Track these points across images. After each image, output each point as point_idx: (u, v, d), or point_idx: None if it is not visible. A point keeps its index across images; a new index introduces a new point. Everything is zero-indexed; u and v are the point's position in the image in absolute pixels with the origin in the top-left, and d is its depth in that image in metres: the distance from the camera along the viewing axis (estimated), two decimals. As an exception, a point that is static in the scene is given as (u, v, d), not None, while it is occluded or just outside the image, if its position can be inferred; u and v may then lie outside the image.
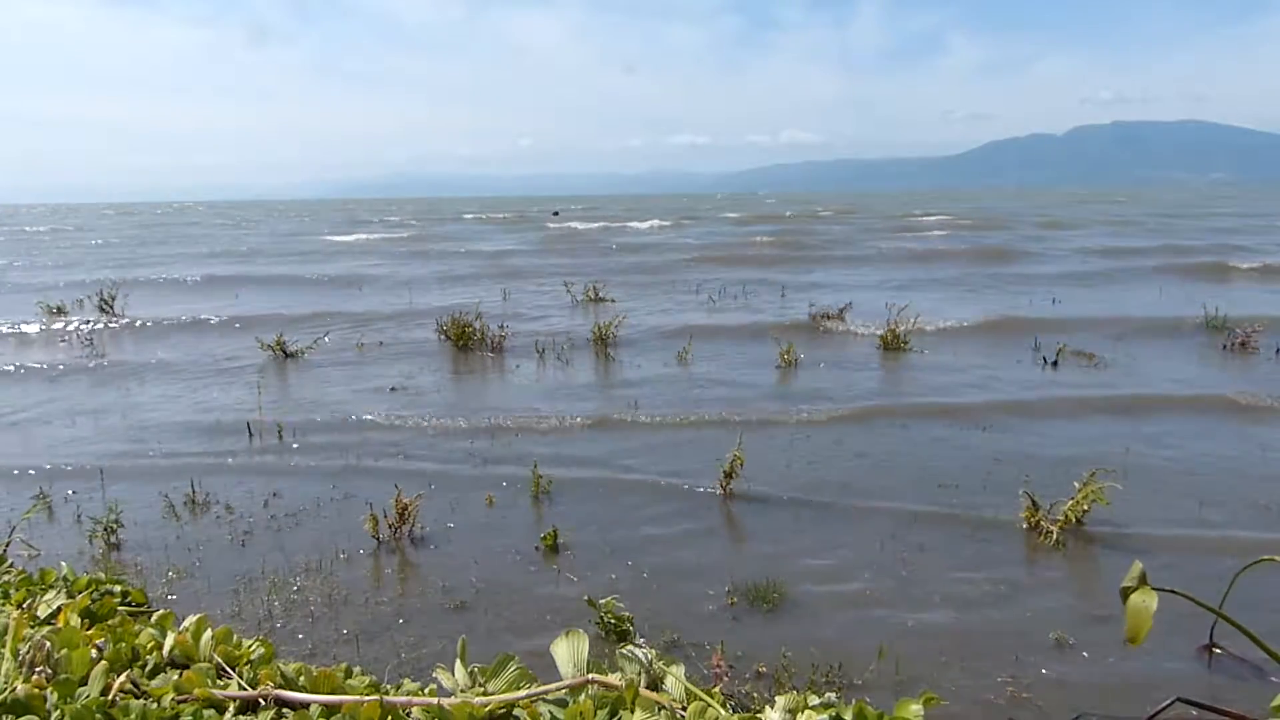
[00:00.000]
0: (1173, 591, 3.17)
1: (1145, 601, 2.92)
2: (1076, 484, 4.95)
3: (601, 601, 3.77)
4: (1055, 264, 20.53)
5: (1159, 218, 42.22)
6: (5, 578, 3.83)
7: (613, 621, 3.72)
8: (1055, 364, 9.35)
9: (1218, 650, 3.57)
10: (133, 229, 48.66)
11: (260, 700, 2.55)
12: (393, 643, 3.76)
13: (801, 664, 3.50)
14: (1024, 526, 4.92)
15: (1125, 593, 2.99)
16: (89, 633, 2.88)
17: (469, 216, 59.18)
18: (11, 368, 10.01)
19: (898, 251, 24.41)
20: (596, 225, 44.30)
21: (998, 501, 5.30)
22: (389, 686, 2.78)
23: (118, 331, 12.64)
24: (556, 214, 61.53)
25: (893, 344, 10.35)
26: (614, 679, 2.56)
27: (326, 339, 11.19)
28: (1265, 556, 3.51)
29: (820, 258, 23.61)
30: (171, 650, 2.85)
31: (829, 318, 12.01)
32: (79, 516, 5.22)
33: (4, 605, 3.38)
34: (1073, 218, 42.23)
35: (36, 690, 2.41)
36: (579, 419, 7.45)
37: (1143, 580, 2.98)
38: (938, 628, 3.83)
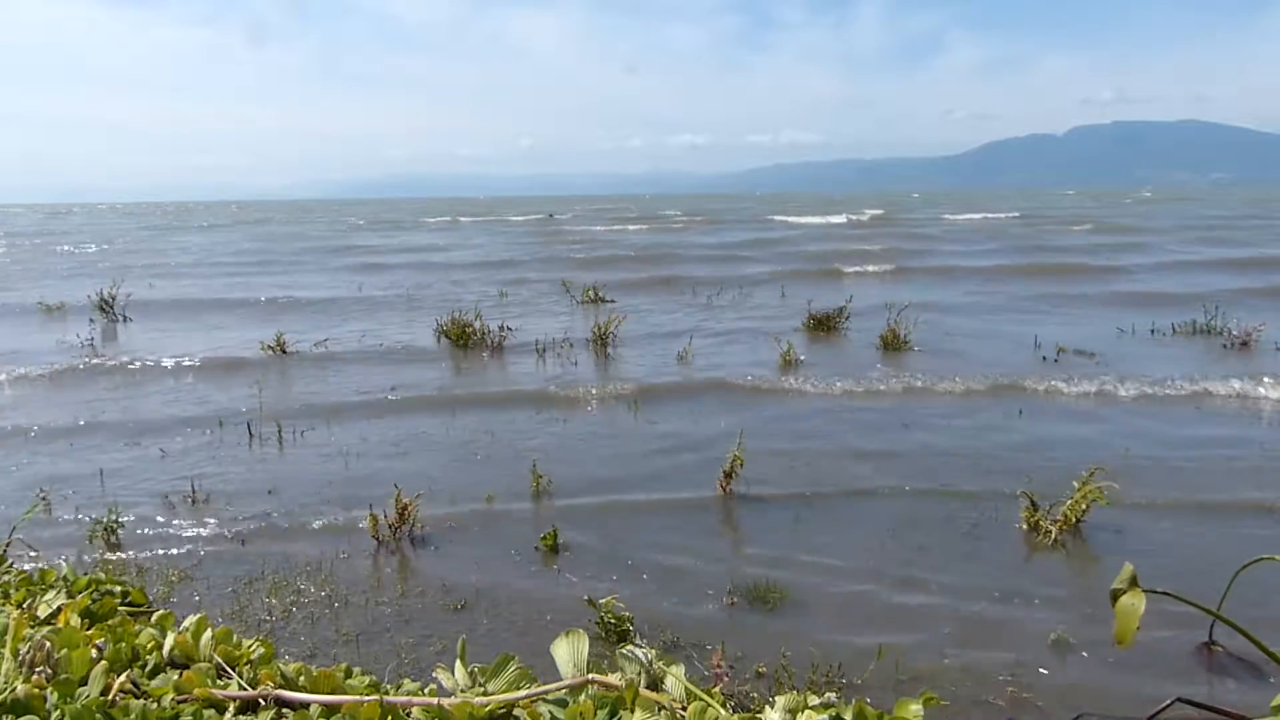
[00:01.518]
0: (1165, 593, 3.17)
1: (1134, 603, 2.93)
2: (1075, 484, 4.95)
3: (601, 601, 3.77)
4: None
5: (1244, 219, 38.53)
6: (5, 578, 3.82)
7: (613, 621, 3.72)
8: None
9: (1217, 648, 3.57)
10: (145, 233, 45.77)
11: (260, 700, 2.55)
12: (393, 643, 3.76)
13: (801, 664, 3.50)
14: (1023, 527, 4.92)
15: (1115, 595, 2.99)
16: (89, 633, 2.88)
17: (517, 219, 55.01)
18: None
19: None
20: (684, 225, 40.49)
21: (998, 503, 5.31)
22: (389, 686, 2.78)
23: (122, 333, 12.65)
24: (551, 216, 61.12)
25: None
26: (614, 679, 2.56)
27: (326, 340, 11.19)
28: (1265, 555, 3.51)
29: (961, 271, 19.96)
30: (171, 650, 2.85)
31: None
32: (79, 516, 5.22)
33: (4, 605, 3.38)
34: (1148, 222, 38.44)
35: (36, 690, 2.41)
36: (579, 420, 7.46)
37: (1133, 582, 2.99)
38: (938, 628, 3.83)
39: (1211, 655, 3.56)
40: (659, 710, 2.46)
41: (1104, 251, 23.98)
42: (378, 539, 4.88)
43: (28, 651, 2.59)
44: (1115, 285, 16.88)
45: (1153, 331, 11.49)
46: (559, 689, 2.57)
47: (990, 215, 49.23)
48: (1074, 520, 4.84)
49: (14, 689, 2.38)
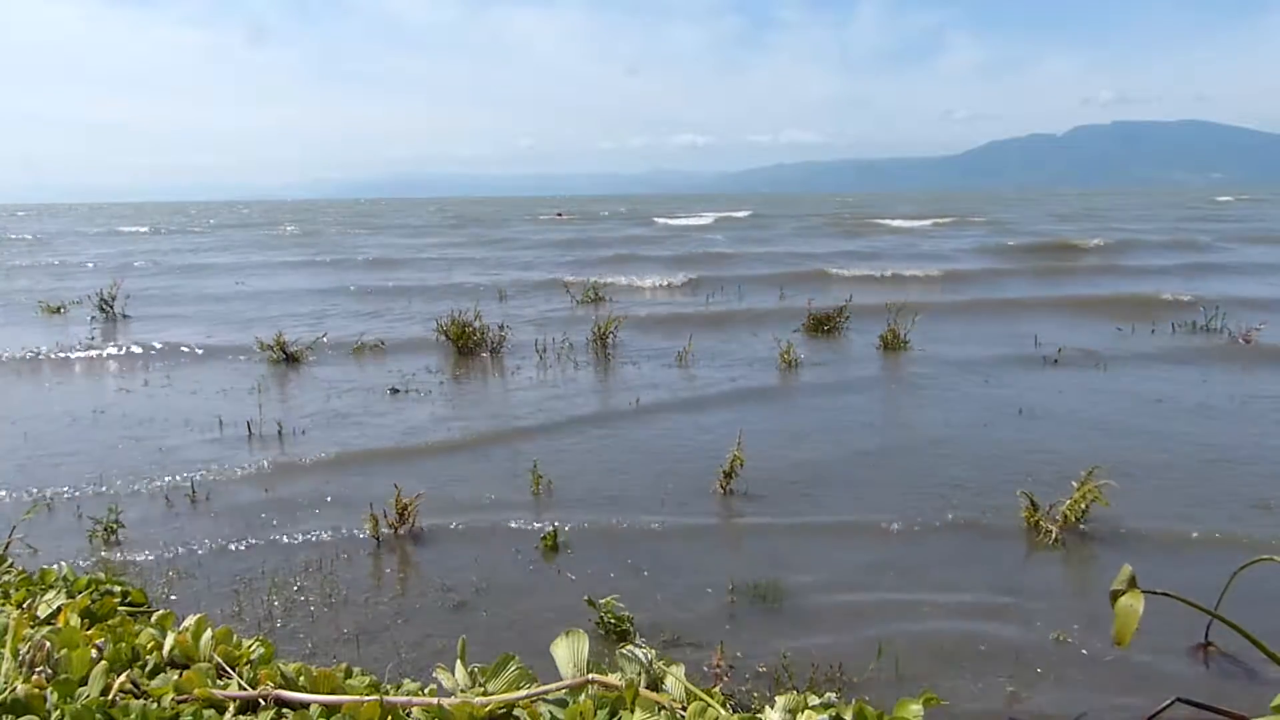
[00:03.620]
0: (1164, 594, 3.17)
1: (1133, 604, 2.93)
2: (1074, 483, 4.95)
3: (601, 601, 3.77)
4: None
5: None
6: (5, 578, 3.82)
7: (613, 621, 3.72)
8: None
9: (1214, 648, 3.57)
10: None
11: (260, 700, 2.55)
12: (393, 643, 3.76)
13: (801, 664, 3.50)
14: (1023, 526, 4.92)
15: (1115, 596, 2.99)
16: (89, 633, 2.88)
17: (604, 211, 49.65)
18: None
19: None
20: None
21: (998, 502, 5.31)
22: (389, 686, 2.78)
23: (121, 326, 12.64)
24: (560, 215, 60.55)
25: None
26: (614, 679, 2.56)
27: (325, 339, 11.18)
28: (1263, 556, 3.51)
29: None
30: (171, 650, 2.85)
31: None
32: (79, 516, 5.22)
33: (4, 605, 3.38)
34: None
35: (36, 690, 2.40)
36: (578, 418, 7.46)
37: (1132, 583, 2.99)
38: (938, 627, 3.83)
39: (1208, 655, 3.56)
40: (659, 710, 2.46)
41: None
42: (378, 538, 4.88)
43: (28, 651, 2.59)
44: None
45: (1153, 331, 11.51)
46: (559, 689, 2.57)
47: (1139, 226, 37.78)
48: (1074, 520, 4.84)
49: (14, 689, 2.38)
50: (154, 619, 3.15)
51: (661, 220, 49.23)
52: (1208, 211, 52.31)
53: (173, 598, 4.21)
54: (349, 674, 2.78)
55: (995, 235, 31.19)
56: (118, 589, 3.80)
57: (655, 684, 2.61)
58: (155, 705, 2.46)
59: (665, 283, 18.02)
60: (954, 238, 31.60)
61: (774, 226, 40.78)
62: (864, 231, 36.61)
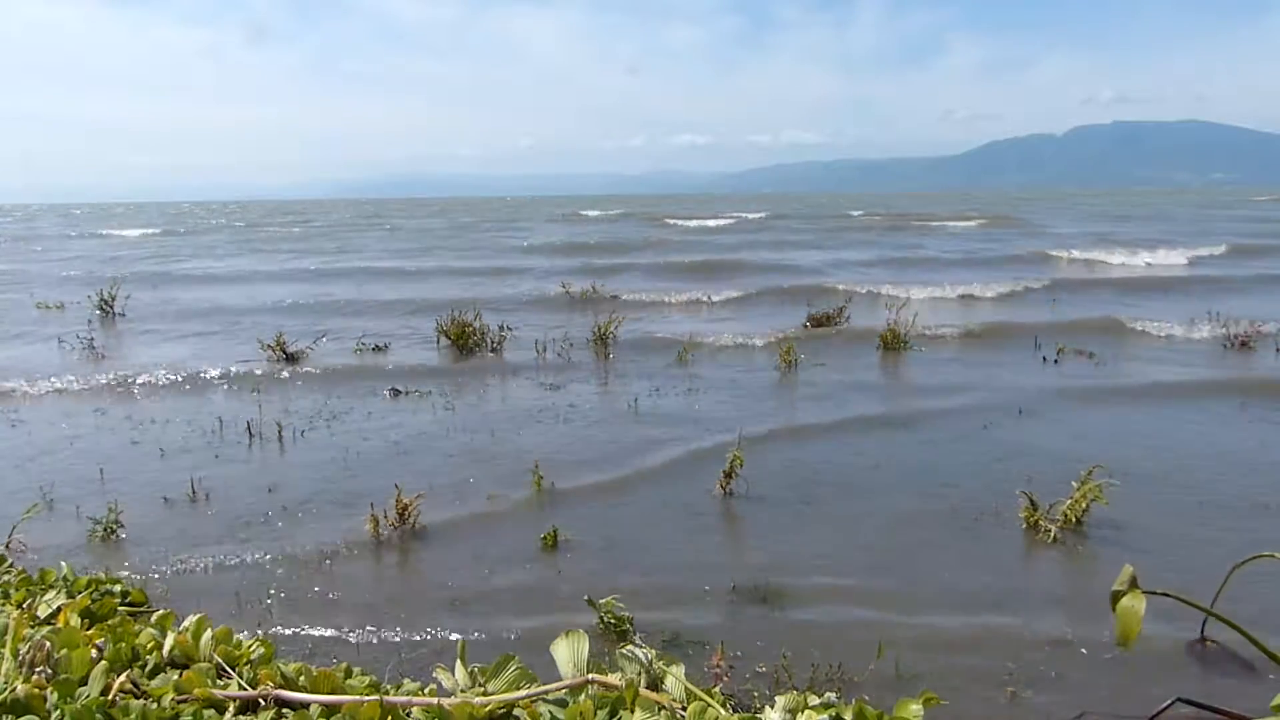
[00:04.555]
0: (1164, 594, 3.17)
1: (1134, 605, 2.93)
2: (1074, 483, 4.95)
3: (601, 601, 3.77)
4: None
5: None
6: (5, 578, 3.83)
7: (613, 621, 3.72)
8: None
9: (1211, 644, 3.58)
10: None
11: (260, 700, 2.55)
12: (393, 643, 3.76)
13: (801, 664, 3.50)
14: (1023, 525, 4.92)
15: (1116, 596, 2.99)
16: (89, 633, 2.89)
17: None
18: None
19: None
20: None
21: (998, 501, 5.31)
22: (389, 686, 2.78)
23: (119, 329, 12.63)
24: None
25: None
26: (614, 679, 2.57)
27: (325, 341, 11.18)
28: (1263, 553, 3.51)
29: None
30: (171, 650, 2.86)
31: None
32: (79, 516, 5.22)
33: (4, 605, 3.39)
34: None
35: (36, 690, 2.41)
36: (579, 417, 7.46)
37: (1133, 584, 2.99)
38: (937, 627, 3.82)
39: (1205, 651, 3.56)
40: (659, 710, 2.46)
41: None
42: (378, 538, 4.88)
43: (28, 651, 2.59)
44: None
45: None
46: (559, 689, 2.58)
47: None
48: (1074, 519, 4.84)
49: (14, 689, 2.38)
50: (154, 619, 3.15)
51: (677, 222, 47.36)
52: (1252, 213, 50.74)
53: (173, 598, 4.21)
54: (349, 674, 2.79)
55: (1048, 242, 28.15)
56: (118, 589, 3.81)
57: (655, 684, 2.61)
58: (155, 705, 2.46)
59: (709, 298, 15.60)
60: (1002, 241, 29.47)
61: (797, 230, 38.58)
62: (897, 235, 33.89)
